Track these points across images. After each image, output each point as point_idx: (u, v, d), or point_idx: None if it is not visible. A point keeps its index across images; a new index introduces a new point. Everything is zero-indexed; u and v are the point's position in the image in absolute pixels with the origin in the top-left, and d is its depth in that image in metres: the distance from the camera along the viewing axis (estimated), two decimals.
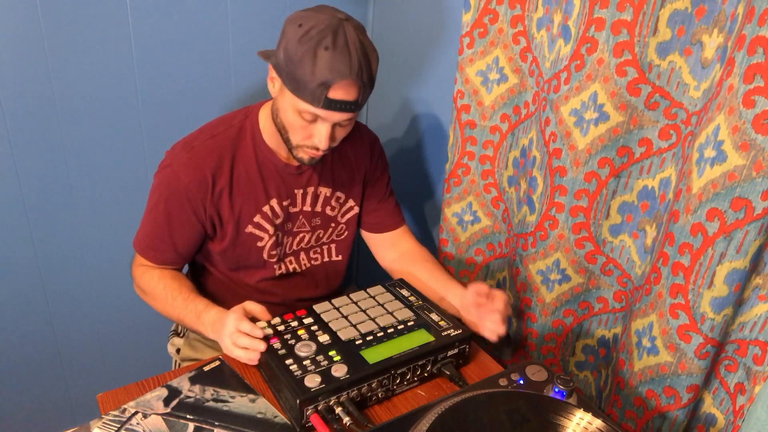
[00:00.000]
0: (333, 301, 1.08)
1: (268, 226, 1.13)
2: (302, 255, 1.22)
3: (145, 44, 1.36)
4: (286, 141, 1.04)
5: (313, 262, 1.24)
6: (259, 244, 1.14)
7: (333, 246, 1.25)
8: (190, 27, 1.40)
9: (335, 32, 0.90)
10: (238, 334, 0.95)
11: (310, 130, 0.99)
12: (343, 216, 1.23)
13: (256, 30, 1.49)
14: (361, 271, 1.95)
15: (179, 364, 1.29)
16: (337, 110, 0.95)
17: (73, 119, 1.35)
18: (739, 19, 0.79)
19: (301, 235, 1.19)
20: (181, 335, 1.33)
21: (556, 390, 0.82)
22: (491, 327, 1.03)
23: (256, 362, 0.96)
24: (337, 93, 0.92)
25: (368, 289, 1.12)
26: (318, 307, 1.06)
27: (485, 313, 1.03)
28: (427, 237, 1.60)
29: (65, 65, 1.29)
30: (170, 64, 1.41)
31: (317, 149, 1.01)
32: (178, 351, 1.30)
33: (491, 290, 1.05)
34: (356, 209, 1.24)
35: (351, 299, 1.09)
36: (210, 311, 1.02)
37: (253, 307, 0.99)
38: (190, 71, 1.44)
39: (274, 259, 1.17)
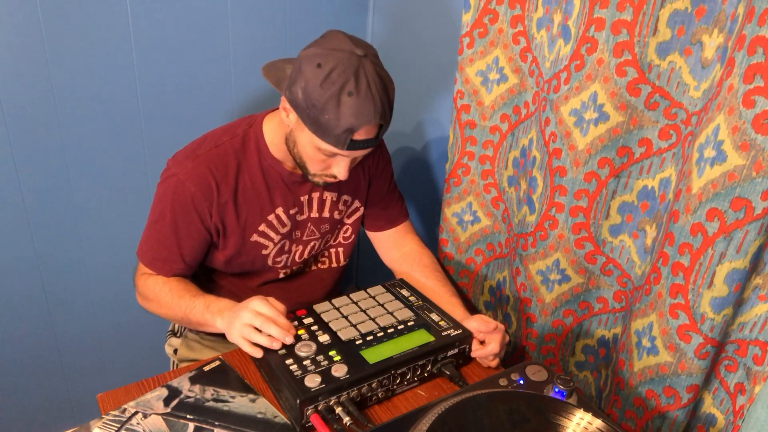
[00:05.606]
0: (333, 301, 1.08)
1: (273, 234, 1.13)
2: (311, 261, 1.23)
3: (145, 44, 1.36)
4: (302, 168, 1.05)
5: (320, 265, 1.25)
6: (264, 252, 1.14)
7: (341, 250, 1.25)
8: (190, 27, 1.40)
9: (356, 74, 0.89)
10: (257, 315, 0.92)
11: (329, 163, 1.01)
12: (349, 217, 1.23)
13: (257, 30, 1.49)
14: (361, 272, 1.95)
15: (177, 365, 1.29)
16: (359, 149, 0.96)
17: (73, 119, 1.35)
18: (739, 19, 0.79)
19: (312, 243, 1.19)
20: (178, 335, 1.33)
21: (556, 390, 0.82)
22: (484, 361, 1.04)
23: (259, 354, 0.93)
24: (360, 135, 0.93)
25: (368, 289, 1.12)
26: (318, 307, 1.06)
27: (481, 349, 1.03)
28: (427, 237, 1.60)
29: (65, 65, 1.29)
30: (170, 63, 1.41)
31: (335, 177, 1.03)
32: (175, 351, 1.30)
33: (494, 328, 1.02)
34: (362, 210, 1.24)
35: (351, 299, 1.09)
36: (221, 300, 1.01)
37: (274, 301, 0.97)
38: (190, 71, 1.44)
39: (279, 265, 1.18)
